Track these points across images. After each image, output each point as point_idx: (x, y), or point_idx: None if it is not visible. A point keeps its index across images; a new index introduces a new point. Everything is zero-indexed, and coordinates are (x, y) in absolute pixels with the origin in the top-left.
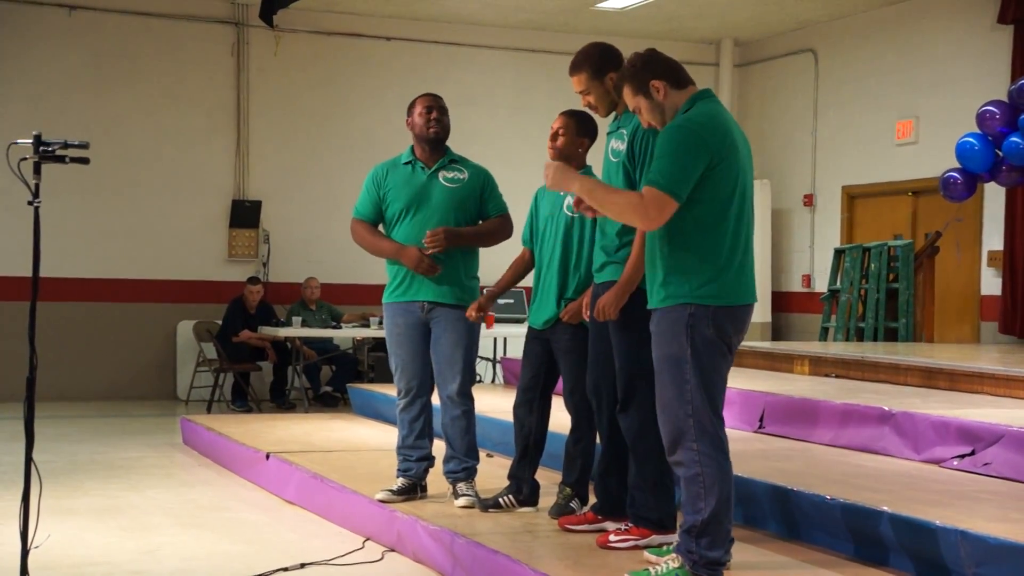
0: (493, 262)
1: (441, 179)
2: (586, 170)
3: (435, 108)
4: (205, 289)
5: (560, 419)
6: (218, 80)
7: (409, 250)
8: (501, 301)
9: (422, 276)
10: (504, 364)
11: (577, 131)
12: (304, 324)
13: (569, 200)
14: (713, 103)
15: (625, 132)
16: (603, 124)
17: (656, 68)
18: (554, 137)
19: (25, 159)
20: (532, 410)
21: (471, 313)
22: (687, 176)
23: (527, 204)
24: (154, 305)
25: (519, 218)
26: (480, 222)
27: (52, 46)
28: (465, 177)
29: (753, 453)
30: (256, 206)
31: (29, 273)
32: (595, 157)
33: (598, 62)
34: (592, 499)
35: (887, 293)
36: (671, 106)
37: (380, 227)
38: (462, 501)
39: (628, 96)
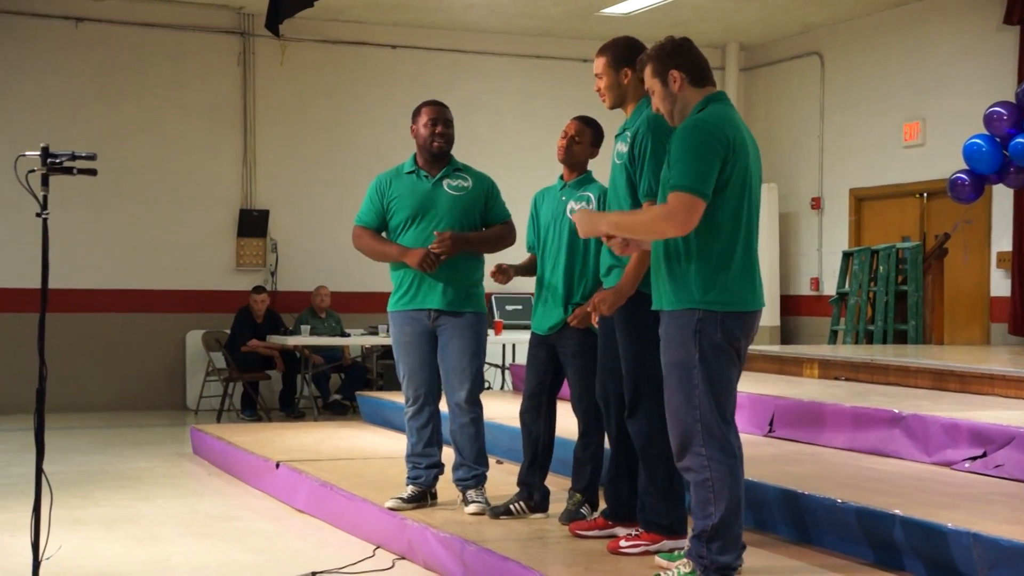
0: None
1: (446, 187)
2: (587, 175)
3: (440, 121)
4: (213, 299)
5: (568, 425)
6: (224, 90)
7: (414, 250)
8: (509, 307)
9: (427, 285)
10: (512, 370)
11: (592, 140)
12: (313, 332)
13: (572, 205)
14: (725, 106)
15: (629, 134)
16: (610, 130)
17: (680, 59)
18: (569, 140)
19: (33, 171)
20: (539, 416)
21: (495, 272)
22: (708, 173)
23: None
24: (163, 315)
25: (524, 223)
26: (484, 228)
27: (59, 58)
28: (469, 185)
29: (763, 457)
30: (264, 215)
31: (38, 285)
32: (599, 163)
33: (620, 53)
34: (602, 504)
35: (896, 295)
36: (683, 101)
37: (384, 235)
38: (472, 508)
39: (647, 75)
